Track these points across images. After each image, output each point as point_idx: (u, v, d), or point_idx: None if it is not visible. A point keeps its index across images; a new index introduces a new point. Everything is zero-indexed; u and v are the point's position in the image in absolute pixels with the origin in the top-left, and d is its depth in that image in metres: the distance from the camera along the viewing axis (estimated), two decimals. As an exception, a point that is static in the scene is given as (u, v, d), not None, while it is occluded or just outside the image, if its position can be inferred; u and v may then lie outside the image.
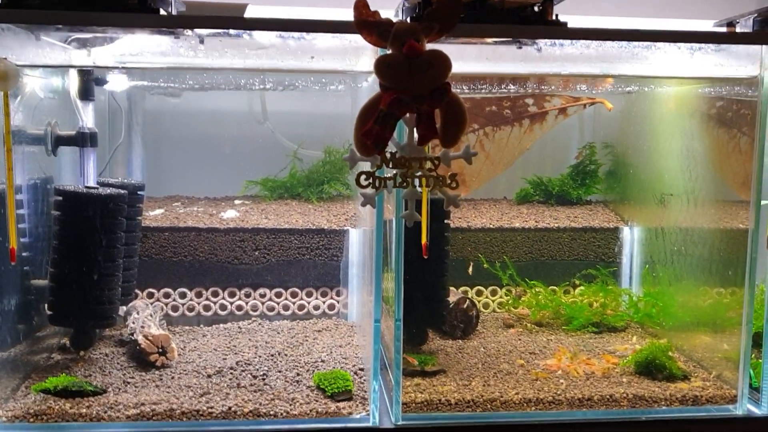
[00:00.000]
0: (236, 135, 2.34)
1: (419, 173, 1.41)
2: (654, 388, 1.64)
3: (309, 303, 2.13)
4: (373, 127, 1.35)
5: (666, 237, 1.98)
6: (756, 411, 1.61)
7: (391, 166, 1.40)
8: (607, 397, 1.59)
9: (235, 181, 2.35)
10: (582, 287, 2.19)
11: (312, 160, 2.33)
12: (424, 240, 1.58)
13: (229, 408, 1.50)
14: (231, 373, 1.69)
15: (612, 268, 2.20)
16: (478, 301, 2.23)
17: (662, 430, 1.57)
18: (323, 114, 2.34)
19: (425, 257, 1.58)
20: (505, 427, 1.53)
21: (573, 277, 2.21)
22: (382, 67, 1.33)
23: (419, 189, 1.44)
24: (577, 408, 1.58)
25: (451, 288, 2.12)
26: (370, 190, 1.41)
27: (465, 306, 2.00)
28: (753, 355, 1.66)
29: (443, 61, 1.33)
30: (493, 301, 2.24)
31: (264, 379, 1.66)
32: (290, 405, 1.53)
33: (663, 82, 1.99)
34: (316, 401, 1.55)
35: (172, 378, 1.66)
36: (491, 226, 2.24)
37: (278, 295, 2.11)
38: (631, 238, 2.22)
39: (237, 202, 2.29)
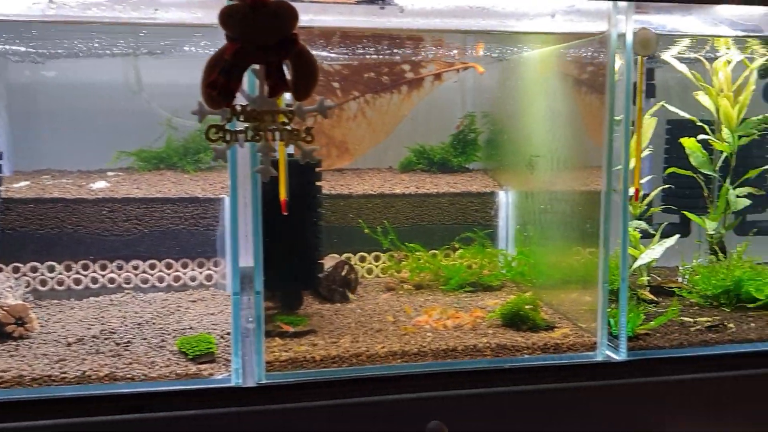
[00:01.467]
0: (111, 106, 2.27)
1: (273, 127, 1.40)
2: (517, 338, 1.68)
3: (185, 274, 2.09)
4: (218, 78, 1.32)
5: (534, 198, 2.03)
6: (615, 357, 1.67)
7: (242, 119, 1.38)
8: (471, 347, 1.62)
9: (110, 154, 2.28)
10: (461, 250, 2.23)
11: (189, 131, 2.29)
12: (282, 196, 1.56)
13: (83, 373, 1.45)
14: (93, 341, 1.63)
15: (489, 230, 2.25)
16: (362, 267, 2.23)
17: (525, 377, 1.61)
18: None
19: (285, 214, 1.57)
20: (369, 379, 1.53)
21: (452, 241, 2.25)
22: (225, 17, 1.30)
23: (275, 144, 1.42)
24: (442, 359, 1.60)
25: (333, 254, 2.12)
26: (221, 145, 1.38)
27: (344, 270, 2.01)
28: (613, 306, 1.72)
29: (289, 11, 1.31)
30: (376, 267, 2.25)
31: (127, 347, 1.61)
32: (149, 368, 1.49)
33: (529, 44, 2.04)
34: (177, 364, 1.52)
35: (29, 348, 1.60)
36: (373, 192, 2.24)
37: (152, 266, 2.06)
38: (507, 201, 2.27)
39: (110, 174, 2.22)
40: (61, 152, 2.29)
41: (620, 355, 1.67)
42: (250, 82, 1.39)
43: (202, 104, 1.35)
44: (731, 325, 1.79)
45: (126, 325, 1.75)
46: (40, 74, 2.28)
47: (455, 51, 2.17)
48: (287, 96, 1.41)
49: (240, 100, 1.38)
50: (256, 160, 1.42)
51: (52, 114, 2.28)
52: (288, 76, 1.36)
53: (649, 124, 2.01)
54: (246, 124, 1.38)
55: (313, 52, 1.35)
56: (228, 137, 1.38)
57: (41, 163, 2.28)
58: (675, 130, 2.31)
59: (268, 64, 1.35)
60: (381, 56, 2.22)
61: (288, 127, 1.40)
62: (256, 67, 1.37)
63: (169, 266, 2.07)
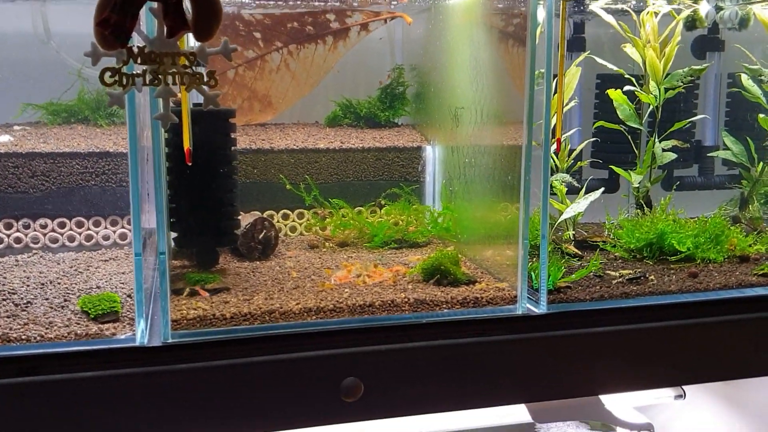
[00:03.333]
0: (17, 56, 2.14)
1: (173, 70, 1.31)
2: (437, 292, 1.64)
3: (97, 233, 1.99)
4: (110, 16, 1.23)
5: (459, 152, 1.99)
6: (535, 310, 1.65)
7: (139, 61, 1.29)
8: (389, 302, 1.57)
9: (16, 107, 2.15)
10: (387, 207, 2.18)
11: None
12: (186, 145, 1.48)
13: (-27, 334, 1.37)
14: (-12, 303, 1.54)
15: (415, 186, 2.20)
16: (285, 225, 2.17)
17: (444, 331, 1.58)
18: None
19: (189, 164, 1.49)
20: (281, 336, 1.48)
21: (378, 197, 2.19)
22: (116, -52, 1.21)
23: (176, 87, 1.34)
24: (359, 315, 1.55)
25: (255, 212, 2.04)
26: (117, 89, 1.29)
27: (262, 227, 1.94)
28: (534, 260, 1.70)
29: (187, -56, 1.22)
30: (300, 225, 2.19)
31: (26, 308, 1.52)
32: (46, 329, 1.41)
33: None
34: (77, 324, 1.44)
35: None
36: (296, 147, 2.17)
37: (62, 225, 1.96)
38: (434, 156, 2.22)
39: (17, 128, 2.09)
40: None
41: (540, 308, 1.65)
42: (148, 23, 1.30)
43: (96, 45, 1.26)
44: (652, 277, 1.78)
45: (27, 286, 1.66)
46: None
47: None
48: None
49: (139, 42, 1.30)
50: (156, 106, 1.33)
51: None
52: (189, 15, 1.29)
53: (573, 76, 1.98)
54: (144, 67, 1.30)
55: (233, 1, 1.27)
56: (125, 81, 1.29)
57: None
58: (604, 84, 2.29)
59: (166, 3, 1.26)
60: (305, 4, 2.13)
61: (189, 71, 1.32)
62: (154, 5, 1.28)
63: (80, 225, 1.97)
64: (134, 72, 1.29)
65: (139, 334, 1.42)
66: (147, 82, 1.30)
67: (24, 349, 1.37)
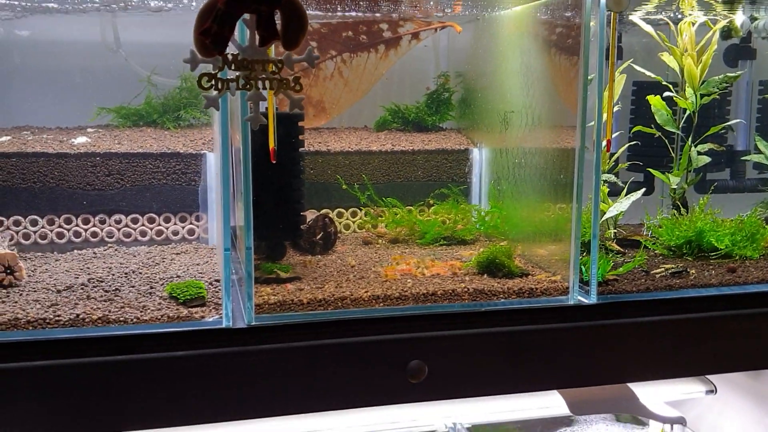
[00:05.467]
0: (88, 64, 2.28)
1: (263, 75, 1.44)
2: (493, 283, 1.76)
3: (167, 228, 2.12)
4: (211, 26, 1.37)
5: (508, 154, 2.11)
6: (585, 300, 1.77)
7: (233, 68, 1.43)
8: (450, 291, 1.69)
9: (89, 112, 2.29)
10: (436, 206, 2.30)
11: (168, 89, 2.31)
12: (272, 144, 1.61)
13: (77, 315, 1.49)
14: (82, 289, 1.67)
15: (462, 186, 2.32)
16: (340, 223, 2.29)
17: (501, 319, 1.69)
18: (180, 43, 2.31)
19: (273, 162, 1.62)
20: (353, 321, 1.60)
21: (427, 197, 2.32)
22: (218, -34, 1.34)
23: (264, 92, 1.46)
24: (422, 303, 1.67)
25: (312, 210, 2.17)
26: (212, 93, 1.42)
27: (323, 224, 2.06)
28: (584, 255, 1.81)
29: (280, -38, 1.35)
30: (353, 222, 2.31)
31: (116, 293, 1.66)
32: (141, 312, 1.54)
33: (504, 4, 2.10)
34: (168, 308, 1.57)
35: (20, 294, 1.63)
36: (350, 149, 2.30)
37: (134, 221, 2.09)
38: (480, 158, 2.34)
39: (90, 129, 2.23)
40: (38, 110, 2.30)
41: (591, 299, 1.76)
42: (241, 32, 1.43)
43: (195, 52, 1.40)
44: (693, 271, 1.89)
45: (113, 275, 1.79)
46: (14, 32, 2.28)
47: (433, 9, 2.22)
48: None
49: (231, 50, 1.43)
50: (246, 109, 1.46)
51: (29, 71, 2.28)
52: (278, 26, 1.42)
53: (619, 81, 2.10)
54: (237, 73, 1.43)
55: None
56: (219, 85, 1.42)
57: (19, 120, 2.28)
58: (640, 90, 2.41)
59: (260, 13, 1.39)
60: (359, 14, 2.26)
61: (277, 76, 1.45)
62: (247, 16, 1.41)
63: (151, 220, 2.11)
64: (228, 77, 1.42)
65: (225, 317, 1.55)
66: (239, 86, 1.43)
67: (122, 330, 1.50)
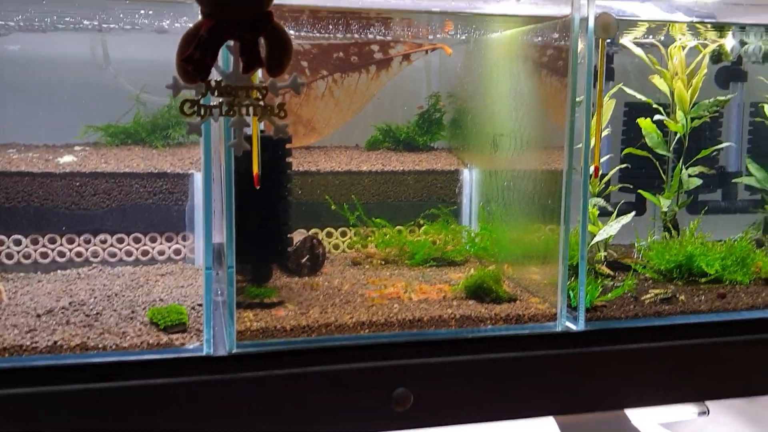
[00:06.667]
0: (77, 81, 2.27)
1: (247, 102, 1.43)
2: (481, 309, 1.74)
3: (153, 248, 2.10)
4: (194, 53, 1.35)
5: (498, 176, 2.09)
6: (573, 327, 1.75)
7: (216, 94, 1.41)
8: (436, 317, 1.68)
9: (77, 129, 2.27)
10: (426, 226, 2.28)
11: (157, 107, 2.29)
12: (255, 170, 1.59)
13: (55, 342, 1.47)
14: (62, 313, 1.65)
15: (452, 207, 2.31)
16: (329, 243, 2.28)
17: (488, 346, 1.67)
18: (169, 61, 2.30)
19: (257, 187, 1.60)
20: (338, 348, 1.58)
21: (417, 217, 2.30)
22: (201, -9, 1.33)
23: (248, 118, 1.45)
24: (408, 329, 1.65)
25: (301, 230, 2.15)
26: (195, 119, 1.41)
27: (311, 245, 2.04)
28: (572, 279, 1.79)
29: (264, -13, 1.34)
30: (343, 242, 2.29)
31: (97, 318, 1.64)
32: (120, 338, 1.52)
33: (495, 27, 2.09)
34: (148, 334, 1.55)
35: (-1, 319, 1.61)
36: (340, 169, 2.28)
37: (120, 240, 2.07)
38: (470, 179, 2.33)
39: (77, 148, 2.21)
40: (25, 126, 2.28)
41: (578, 326, 1.74)
42: (224, 58, 1.41)
43: (177, 79, 1.38)
44: (682, 297, 1.88)
45: (95, 297, 1.77)
46: (4, 47, 2.27)
47: (423, 31, 2.21)
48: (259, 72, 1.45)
49: (214, 76, 1.41)
50: (229, 134, 1.44)
51: (16, 88, 2.27)
52: (262, 52, 1.40)
53: (608, 106, 2.08)
54: (220, 99, 1.42)
55: (285, 30, 1.38)
56: (202, 112, 1.40)
57: (5, 137, 2.26)
58: (632, 112, 2.40)
59: (243, 41, 1.37)
60: (350, 36, 2.25)
61: (261, 103, 1.43)
62: (231, 43, 1.40)
63: (137, 240, 2.09)
64: (211, 104, 1.40)
65: (206, 344, 1.53)
66: (222, 113, 1.41)
67: (101, 357, 1.48)
